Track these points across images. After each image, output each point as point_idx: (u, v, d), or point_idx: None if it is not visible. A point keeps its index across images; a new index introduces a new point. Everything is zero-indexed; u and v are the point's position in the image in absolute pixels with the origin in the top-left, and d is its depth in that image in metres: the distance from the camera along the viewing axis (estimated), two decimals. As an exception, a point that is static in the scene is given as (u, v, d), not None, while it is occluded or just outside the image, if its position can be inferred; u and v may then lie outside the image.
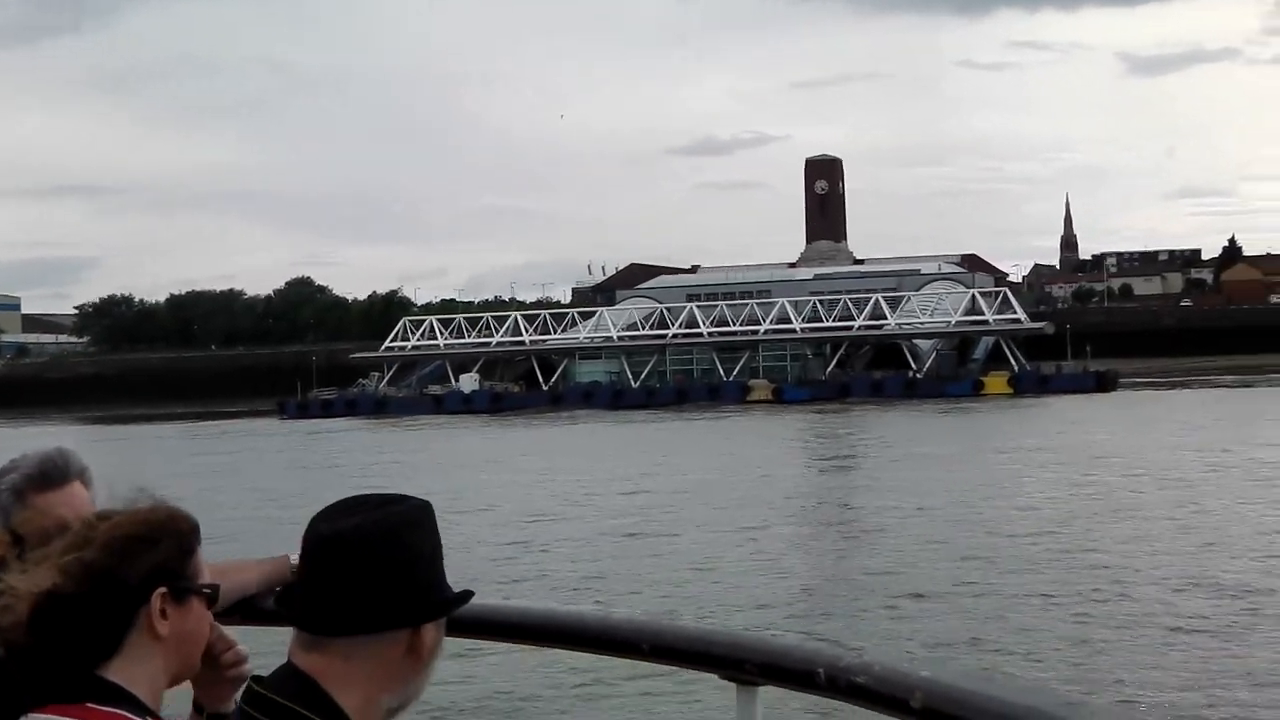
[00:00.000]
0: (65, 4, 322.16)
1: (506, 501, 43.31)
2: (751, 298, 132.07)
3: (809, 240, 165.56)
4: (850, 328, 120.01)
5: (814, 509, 40.54)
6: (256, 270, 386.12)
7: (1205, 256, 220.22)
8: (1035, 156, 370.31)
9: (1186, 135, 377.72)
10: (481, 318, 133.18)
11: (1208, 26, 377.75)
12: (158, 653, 2.17)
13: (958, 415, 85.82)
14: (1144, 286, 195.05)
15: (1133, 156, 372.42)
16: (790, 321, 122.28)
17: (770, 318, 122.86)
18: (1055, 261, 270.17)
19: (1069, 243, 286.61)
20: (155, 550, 2.16)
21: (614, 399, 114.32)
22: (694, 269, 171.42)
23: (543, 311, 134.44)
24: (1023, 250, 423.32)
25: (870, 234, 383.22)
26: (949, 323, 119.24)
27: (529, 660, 17.04)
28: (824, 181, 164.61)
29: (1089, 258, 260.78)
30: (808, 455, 63.45)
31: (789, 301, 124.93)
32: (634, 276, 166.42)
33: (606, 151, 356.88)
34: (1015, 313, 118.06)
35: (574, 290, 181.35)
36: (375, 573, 2.08)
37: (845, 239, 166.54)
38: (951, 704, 2.00)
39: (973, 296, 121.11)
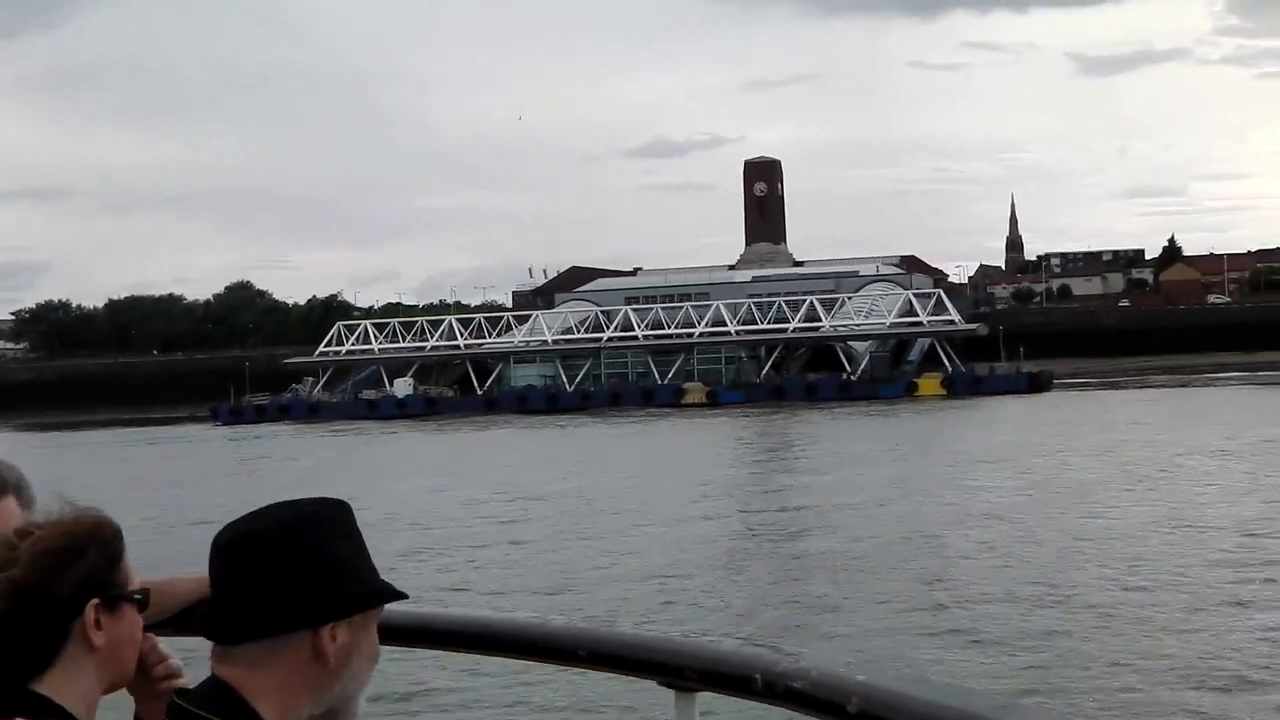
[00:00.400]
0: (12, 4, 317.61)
1: (412, 507, 42.91)
2: (689, 300, 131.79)
3: (748, 242, 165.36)
4: (785, 330, 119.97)
5: (740, 511, 40.46)
6: (208, 274, 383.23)
7: (1150, 257, 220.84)
8: (986, 157, 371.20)
9: (1138, 135, 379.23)
10: (416, 322, 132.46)
11: (1158, 26, 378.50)
12: (91, 664, 2.14)
13: (886, 418, 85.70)
14: (1084, 287, 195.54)
15: (1084, 156, 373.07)
16: (726, 324, 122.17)
17: (705, 320, 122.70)
18: (1002, 262, 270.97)
19: (1014, 243, 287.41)
20: (83, 561, 2.12)
21: (548, 402, 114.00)
22: (635, 272, 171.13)
23: (478, 316, 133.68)
24: (974, 251, 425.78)
25: (818, 235, 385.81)
26: (884, 325, 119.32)
27: (463, 669, 17.12)
28: (763, 183, 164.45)
29: (1034, 259, 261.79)
30: (733, 457, 63.14)
31: (724, 304, 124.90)
32: (574, 279, 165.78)
33: (560, 152, 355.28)
34: (949, 314, 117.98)
35: (514, 294, 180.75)
36: (263, 576, 2.06)
37: (785, 241, 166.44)
38: (887, 708, 2.02)
39: (908, 298, 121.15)
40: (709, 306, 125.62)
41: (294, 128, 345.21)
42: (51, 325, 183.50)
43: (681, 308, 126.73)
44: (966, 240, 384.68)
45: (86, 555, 2.13)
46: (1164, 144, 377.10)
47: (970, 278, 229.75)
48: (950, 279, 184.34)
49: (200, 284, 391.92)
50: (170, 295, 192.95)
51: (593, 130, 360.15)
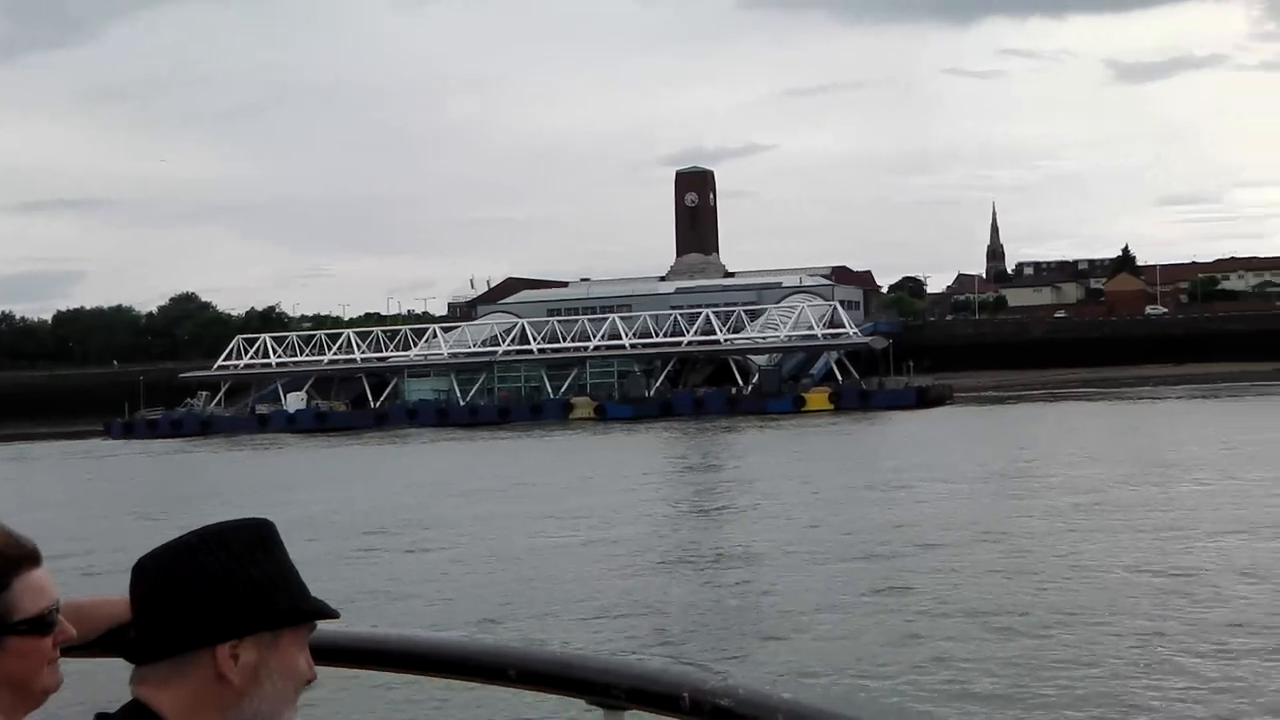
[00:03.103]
0: (48, 18, 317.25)
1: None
2: (613, 312, 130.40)
3: (679, 253, 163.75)
4: (679, 344, 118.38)
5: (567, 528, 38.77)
6: (241, 284, 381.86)
7: (1152, 262, 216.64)
8: (1021, 164, 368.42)
9: (1174, 141, 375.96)
10: (315, 335, 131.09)
11: (1196, 32, 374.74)
12: None
13: (751, 433, 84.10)
14: (1033, 298, 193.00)
15: (1119, 163, 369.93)
16: (631, 336, 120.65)
17: (601, 333, 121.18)
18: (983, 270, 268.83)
19: (995, 252, 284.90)
20: None
21: (438, 418, 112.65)
22: (584, 282, 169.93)
23: (375, 329, 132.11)
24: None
25: (821, 248, 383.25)
26: (779, 338, 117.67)
27: (383, 689, 16.59)
28: (694, 194, 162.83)
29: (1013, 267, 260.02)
30: (580, 472, 61.05)
31: (650, 316, 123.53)
32: (512, 290, 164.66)
33: (594, 161, 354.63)
34: (845, 328, 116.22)
35: (449, 304, 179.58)
36: (166, 596, 2.09)
37: (717, 252, 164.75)
38: None
39: (808, 312, 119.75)
40: (636, 318, 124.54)
41: (329, 140, 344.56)
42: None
43: (607, 319, 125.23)
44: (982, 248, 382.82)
45: None
46: (1201, 151, 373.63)
47: (948, 287, 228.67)
48: (883, 289, 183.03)
49: (233, 294, 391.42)
50: (119, 307, 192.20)
51: (628, 142, 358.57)
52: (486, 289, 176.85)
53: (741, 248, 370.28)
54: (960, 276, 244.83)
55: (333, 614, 2.14)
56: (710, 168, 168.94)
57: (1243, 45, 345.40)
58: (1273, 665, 18.62)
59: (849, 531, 34.15)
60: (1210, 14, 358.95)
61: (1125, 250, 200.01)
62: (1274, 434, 60.93)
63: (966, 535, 32.54)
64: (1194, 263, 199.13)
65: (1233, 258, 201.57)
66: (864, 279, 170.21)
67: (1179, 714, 16.61)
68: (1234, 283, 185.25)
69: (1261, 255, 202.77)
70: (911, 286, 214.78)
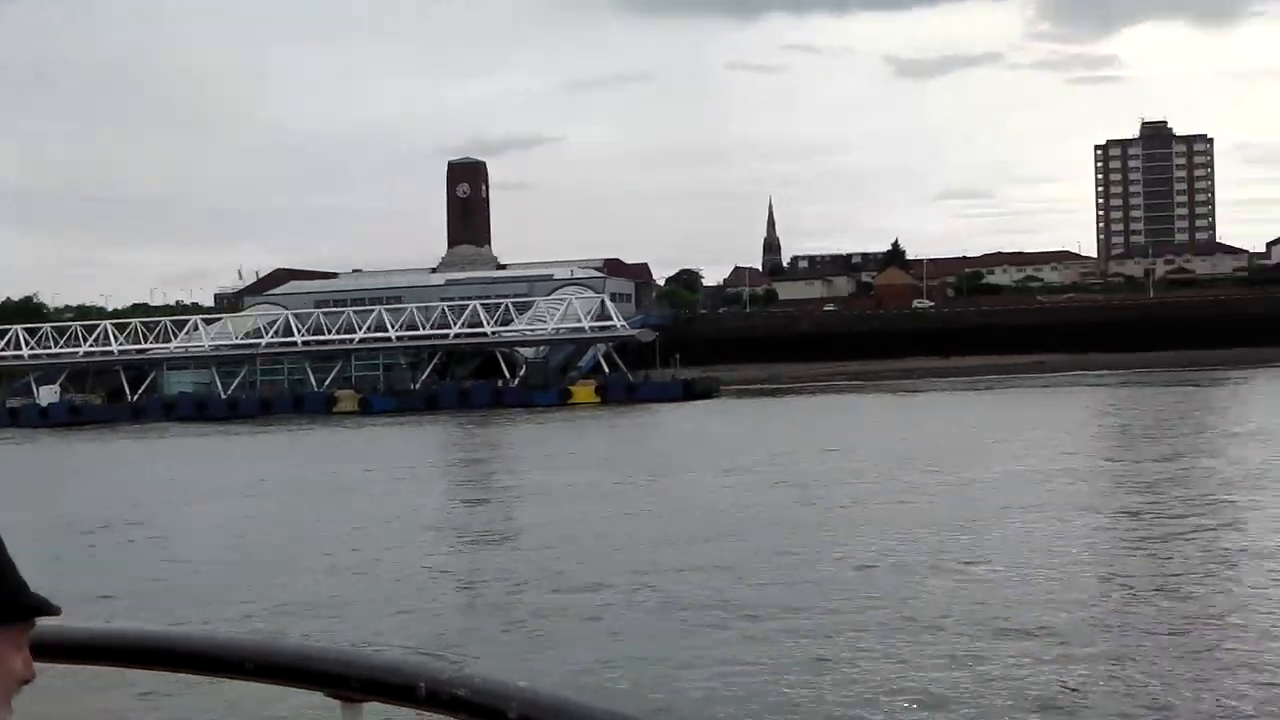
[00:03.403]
0: None
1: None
2: (382, 304, 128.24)
3: (450, 245, 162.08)
4: (446, 336, 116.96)
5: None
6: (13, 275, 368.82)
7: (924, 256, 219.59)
8: (803, 158, 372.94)
9: (951, 137, 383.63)
10: (70, 327, 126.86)
11: (973, 31, 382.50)
12: None
13: (508, 426, 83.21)
14: (805, 291, 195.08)
15: (899, 158, 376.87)
16: (397, 328, 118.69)
17: (366, 326, 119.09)
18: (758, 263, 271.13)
19: (771, 245, 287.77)
20: None
21: (197, 410, 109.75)
22: (355, 273, 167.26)
23: (134, 321, 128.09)
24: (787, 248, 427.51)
25: (598, 238, 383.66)
26: (548, 331, 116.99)
27: (120, 685, 16.39)
28: (466, 185, 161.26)
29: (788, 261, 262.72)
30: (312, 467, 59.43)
31: (418, 308, 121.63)
32: (281, 282, 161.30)
33: (382, 152, 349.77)
34: (613, 321, 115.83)
35: (216, 296, 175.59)
36: None
37: (489, 243, 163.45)
38: (547, 714, 2.09)
39: (580, 305, 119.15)
40: (403, 310, 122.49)
41: (115, 123, 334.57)
42: None
43: (373, 311, 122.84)
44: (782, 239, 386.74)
45: None
46: (976, 147, 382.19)
47: (724, 280, 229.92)
48: (658, 280, 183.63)
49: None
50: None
51: (413, 132, 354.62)
52: (256, 280, 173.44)
53: (525, 239, 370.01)
54: (736, 269, 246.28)
55: (54, 610, 1.99)
56: (483, 159, 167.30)
57: (1017, 45, 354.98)
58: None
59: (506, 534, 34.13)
60: (987, 13, 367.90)
61: (895, 245, 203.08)
62: (996, 429, 62.15)
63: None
64: (964, 257, 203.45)
65: (999, 253, 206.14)
66: (640, 272, 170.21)
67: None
68: (999, 277, 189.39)
69: (1028, 250, 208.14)
70: (687, 279, 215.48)
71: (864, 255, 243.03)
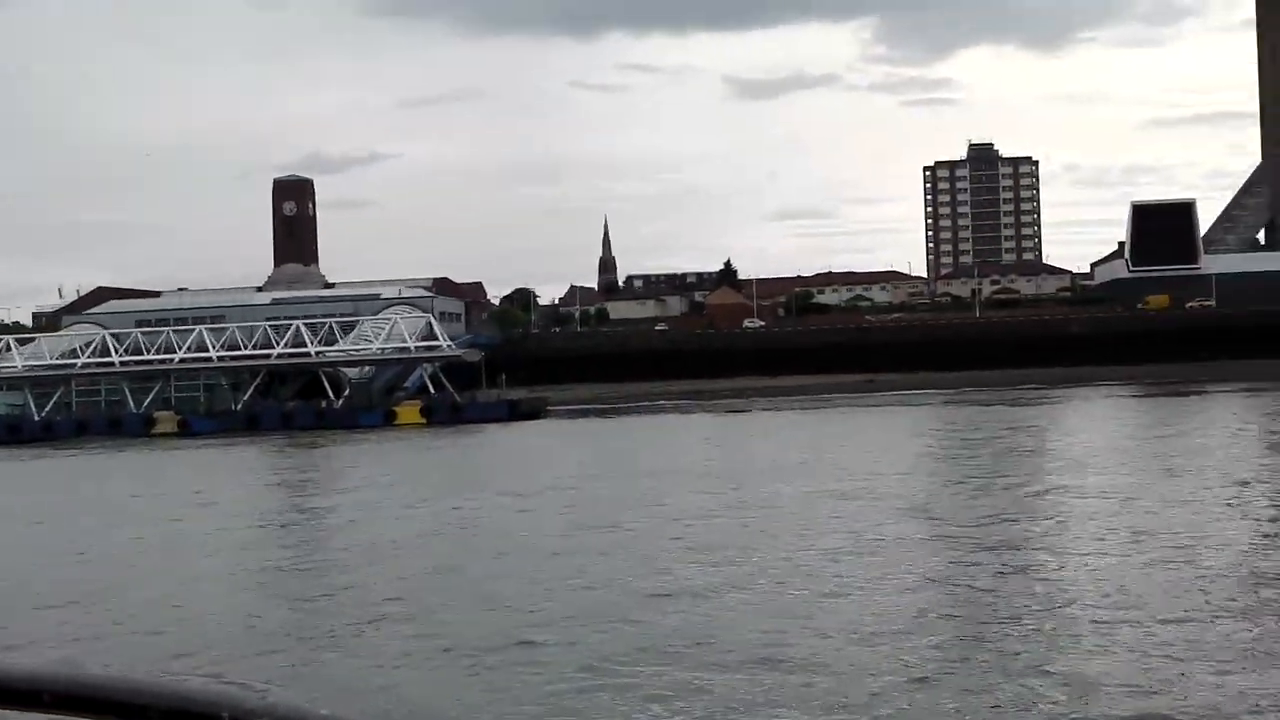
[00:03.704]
0: None
1: None
2: (206, 323, 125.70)
3: (277, 263, 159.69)
4: (269, 356, 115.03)
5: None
6: None
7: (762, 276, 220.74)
8: (645, 177, 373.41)
9: (790, 158, 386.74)
10: None
11: (811, 52, 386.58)
12: None
13: (324, 447, 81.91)
14: (638, 310, 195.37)
15: (739, 178, 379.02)
16: (219, 348, 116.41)
17: (186, 345, 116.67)
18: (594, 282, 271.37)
19: (607, 264, 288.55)
20: None
21: (9, 433, 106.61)
22: (180, 292, 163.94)
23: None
24: (626, 267, 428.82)
25: (430, 257, 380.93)
26: (373, 351, 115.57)
27: None
28: (292, 203, 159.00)
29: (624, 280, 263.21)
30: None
31: (240, 328, 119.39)
32: (101, 301, 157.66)
33: (214, 167, 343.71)
34: (438, 340, 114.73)
35: (34, 315, 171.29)
36: None
37: (316, 262, 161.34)
38: None
39: (408, 325, 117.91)
40: (225, 329, 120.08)
41: None
42: None
43: (194, 330, 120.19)
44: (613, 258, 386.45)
45: None
46: (815, 167, 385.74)
47: (559, 299, 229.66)
48: (493, 299, 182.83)
49: None
50: None
51: (248, 146, 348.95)
52: (77, 298, 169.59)
53: (362, 258, 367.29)
54: (572, 288, 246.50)
55: None
56: (310, 177, 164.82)
57: (854, 67, 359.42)
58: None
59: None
60: (824, 36, 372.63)
61: (727, 264, 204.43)
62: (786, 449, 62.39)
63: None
64: (796, 277, 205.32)
65: (830, 272, 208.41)
66: (472, 291, 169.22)
67: None
68: (829, 297, 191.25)
69: (859, 270, 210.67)
70: (522, 298, 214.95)
71: (699, 275, 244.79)
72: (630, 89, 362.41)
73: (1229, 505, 36.56)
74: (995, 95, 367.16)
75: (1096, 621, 22.35)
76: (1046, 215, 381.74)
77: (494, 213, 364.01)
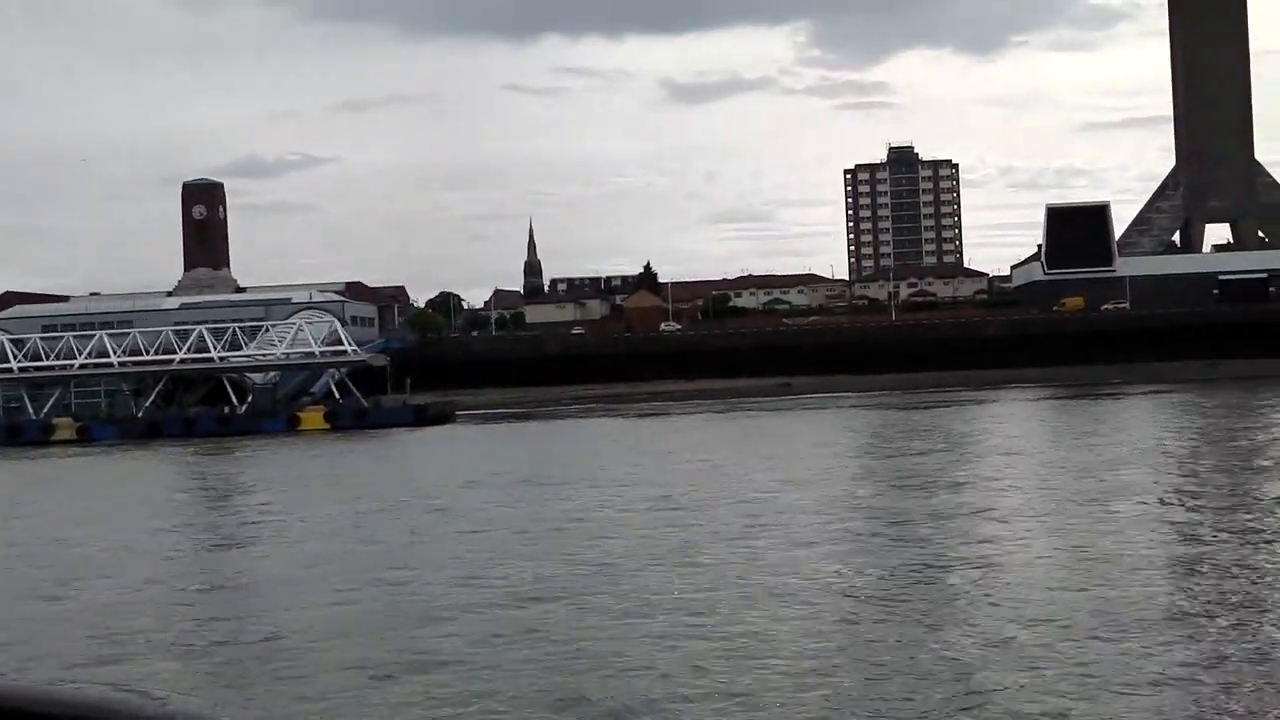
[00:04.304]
0: None
1: None
2: (114, 328, 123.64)
3: (187, 267, 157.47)
4: (171, 361, 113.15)
5: None
6: None
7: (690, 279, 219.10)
8: (581, 180, 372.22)
9: (727, 161, 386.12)
10: None
11: (745, 56, 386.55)
12: None
13: (222, 456, 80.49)
14: (555, 314, 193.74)
15: (676, 181, 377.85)
16: (120, 353, 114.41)
17: (87, 351, 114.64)
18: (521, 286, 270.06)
19: (532, 267, 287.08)
20: None
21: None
22: (91, 297, 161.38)
23: None
24: (560, 271, 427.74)
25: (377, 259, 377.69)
26: (277, 356, 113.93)
27: None
28: (202, 207, 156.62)
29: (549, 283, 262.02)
30: None
31: (141, 333, 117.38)
32: (8, 305, 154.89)
33: (142, 170, 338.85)
34: (343, 345, 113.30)
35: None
36: None
37: (228, 266, 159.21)
38: None
39: (333, 325, 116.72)
40: (126, 335, 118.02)
41: None
42: None
43: (94, 336, 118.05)
44: (547, 261, 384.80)
45: None
46: (751, 171, 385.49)
47: (485, 302, 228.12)
48: (416, 303, 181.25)
49: None
50: None
51: (179, 150, 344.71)
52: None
53: (295, 262, 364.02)
54: (497, 292, 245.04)
55: None
56: (220, 180, 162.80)
57: (789, 70, 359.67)
58: None
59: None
60: (759, 39, 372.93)
61: (647, 267, 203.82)
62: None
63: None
64: (723, 279, 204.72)
65: (749, 275, 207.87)
66: (388, 295, 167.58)
67: None
68: (747, 300, 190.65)
69: (783, 274, 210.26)
70: (444, 302, 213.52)
71: (623, 278, 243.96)
72: (565, 92, 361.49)
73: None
74: (930, 98, 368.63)
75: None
76: (980, 218, 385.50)
77: (425, 216, 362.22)
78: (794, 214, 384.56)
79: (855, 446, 65.26)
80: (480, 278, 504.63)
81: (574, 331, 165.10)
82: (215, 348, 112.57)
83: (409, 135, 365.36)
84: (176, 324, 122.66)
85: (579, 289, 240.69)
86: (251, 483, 60.74)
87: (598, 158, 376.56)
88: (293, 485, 58.14)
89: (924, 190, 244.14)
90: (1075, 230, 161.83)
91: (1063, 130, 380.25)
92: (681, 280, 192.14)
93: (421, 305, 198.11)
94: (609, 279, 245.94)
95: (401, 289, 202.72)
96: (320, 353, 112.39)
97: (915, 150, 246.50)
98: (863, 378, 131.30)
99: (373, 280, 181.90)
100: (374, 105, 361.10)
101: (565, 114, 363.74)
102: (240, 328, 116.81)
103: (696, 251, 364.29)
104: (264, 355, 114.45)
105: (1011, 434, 68.37)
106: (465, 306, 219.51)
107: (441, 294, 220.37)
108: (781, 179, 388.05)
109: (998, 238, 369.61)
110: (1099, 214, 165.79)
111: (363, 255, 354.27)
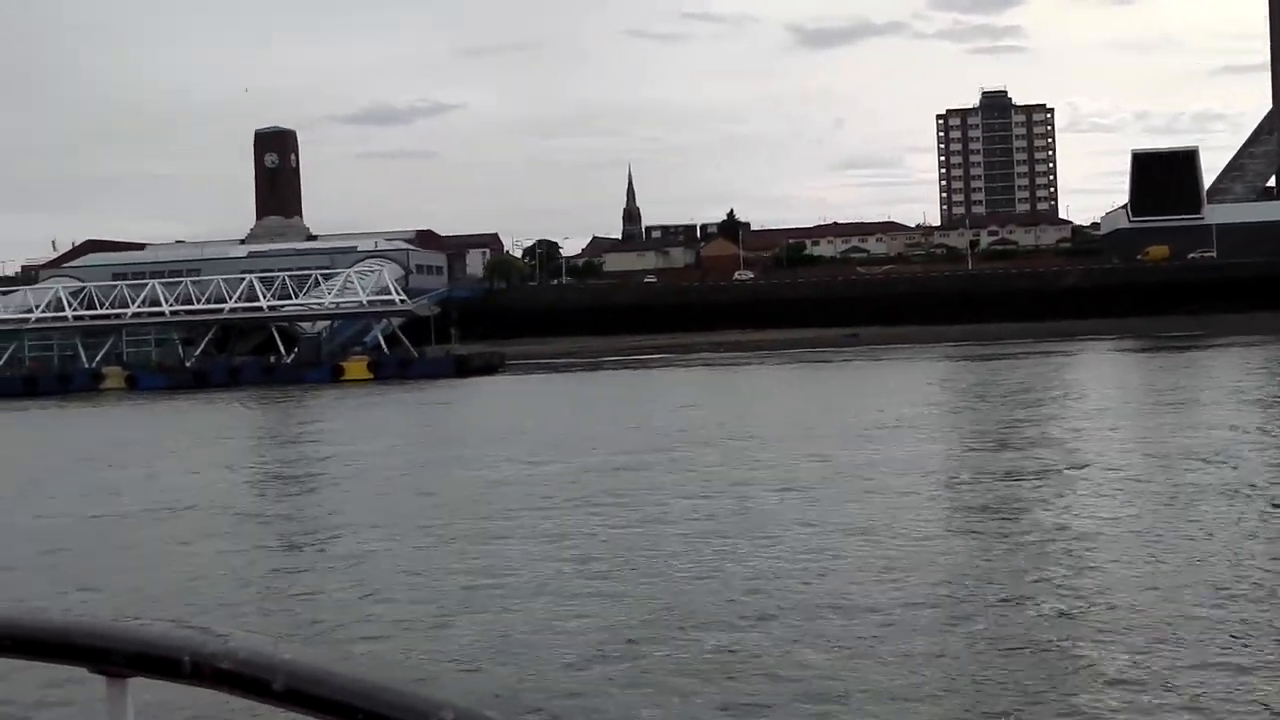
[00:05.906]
0: None
1: None
2: (183, 276, 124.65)
3: (259, 216, 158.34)
4: (221, 311, 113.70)
5: None
6: None
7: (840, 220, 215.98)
8: (702, 127, 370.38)
9: (854, 106, 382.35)
10: None
11: (875, 1, 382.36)
12: None
13: (255, 405, 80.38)
14: (637, 262, 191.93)
15: (801, 127, 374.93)
16: (171, 302, 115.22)
17: (140, 300, 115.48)
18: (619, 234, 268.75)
19: (631, 215, 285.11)
20: None
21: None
22: (172, 244, 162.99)
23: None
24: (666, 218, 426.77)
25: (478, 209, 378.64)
26: (325, 305, 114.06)
27: None
28: (274, 155, 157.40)
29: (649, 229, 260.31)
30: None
31: (224, 280, 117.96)
32: (87, 253, 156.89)
33: (273, 117, 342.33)
34: (391, 295, 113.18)
35: (23, 268, 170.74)
36: None
37: (300, 214, 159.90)
38: (312, 685, 2.09)
39: (379, 274, 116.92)
40: (178, 284, 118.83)
41: None
42: None
43: (147, 285, 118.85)
44: (664, 209, 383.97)
45: None
46: (879, 116, 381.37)
47: (584, 249, 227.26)
48: (512, 250, 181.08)
49: None
50: None
51: (305, 96, 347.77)
52: (70, 250, 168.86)
53: (392, 208, 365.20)
54: (595, 240, 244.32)
55: None
56: (292, 128, 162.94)
57: (921, 14, 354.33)
58: None
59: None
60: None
61: (730, 214, 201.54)
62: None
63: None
64: (800, 228, 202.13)
65: (830, 223, 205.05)
66: (489, 242, 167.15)
67: None
68: (824, 248, 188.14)
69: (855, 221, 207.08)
70: (543, 250, 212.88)
71: (718, 224, 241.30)
72: (690, 38, 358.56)
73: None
74: (1063, 42, 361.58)
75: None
76: (1103, 164, 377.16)
77: (537, 163, 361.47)
78: (924, 159, 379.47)
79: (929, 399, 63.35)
80: (586, 226, 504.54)
81: (645, 280, 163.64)
82: (265, 296, 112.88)
83: (525, 82, 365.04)
84: (244, 272, 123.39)
85: (672, 236, 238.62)
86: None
87: (723, 105, 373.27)
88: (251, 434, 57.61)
89: (1017, 136, 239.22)
90: (1162, 176, 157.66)
91: (1201, 74, 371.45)
92: (762, 228, 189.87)
93: (519, 254, 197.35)
94: (704, 226, 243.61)
95: (495, 235, 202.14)
96: (368, 302, 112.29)
97: (1008, 95, 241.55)
98: (932, 328, 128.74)
99: (475, 227, 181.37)
100: (491, 51, 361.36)
101: (691, 60, 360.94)
102: (290, 277, 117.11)
103: (820, 199, 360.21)
104: (310, 305, 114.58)
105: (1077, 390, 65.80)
106: (561, 254, 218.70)
107: (540, 241, 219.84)
108: (911, 125, 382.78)
109: (1116, 184, 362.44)
110: (1188, 159, 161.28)
111: (473, 203, 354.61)
